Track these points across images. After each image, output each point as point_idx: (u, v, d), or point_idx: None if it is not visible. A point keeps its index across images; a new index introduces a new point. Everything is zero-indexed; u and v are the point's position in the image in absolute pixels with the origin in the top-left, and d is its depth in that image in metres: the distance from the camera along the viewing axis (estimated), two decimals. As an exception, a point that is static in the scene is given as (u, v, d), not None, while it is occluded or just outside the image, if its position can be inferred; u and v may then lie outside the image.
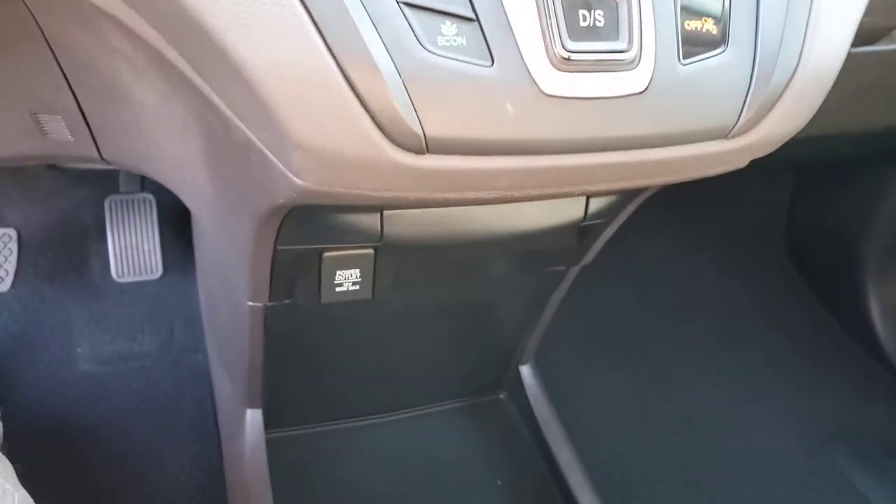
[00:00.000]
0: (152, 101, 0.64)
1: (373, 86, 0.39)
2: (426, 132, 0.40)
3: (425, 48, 0.40)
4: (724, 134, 0.48)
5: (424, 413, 1.12)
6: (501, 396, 1.15)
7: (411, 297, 0.85)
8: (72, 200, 1.32)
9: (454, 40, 0.40)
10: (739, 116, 0.47)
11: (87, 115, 0.75)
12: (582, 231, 0.77)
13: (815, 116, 0.62)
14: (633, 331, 1.47)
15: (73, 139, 0.80)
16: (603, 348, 1.43)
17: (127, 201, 1.30)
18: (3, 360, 1.23)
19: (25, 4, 0.56)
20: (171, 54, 0.46)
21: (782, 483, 1.28)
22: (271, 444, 0.99)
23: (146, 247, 1.30)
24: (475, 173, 0.43)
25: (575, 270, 0.87)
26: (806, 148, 1.21)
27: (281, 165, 0.43)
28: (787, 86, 0.48)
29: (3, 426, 1.08)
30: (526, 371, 1.10)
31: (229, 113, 0.44)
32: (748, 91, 0.47)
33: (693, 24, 0.46)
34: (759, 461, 1.31)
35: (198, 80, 0.45)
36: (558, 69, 0.41)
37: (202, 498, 1.08)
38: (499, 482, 1.05)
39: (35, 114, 0.76)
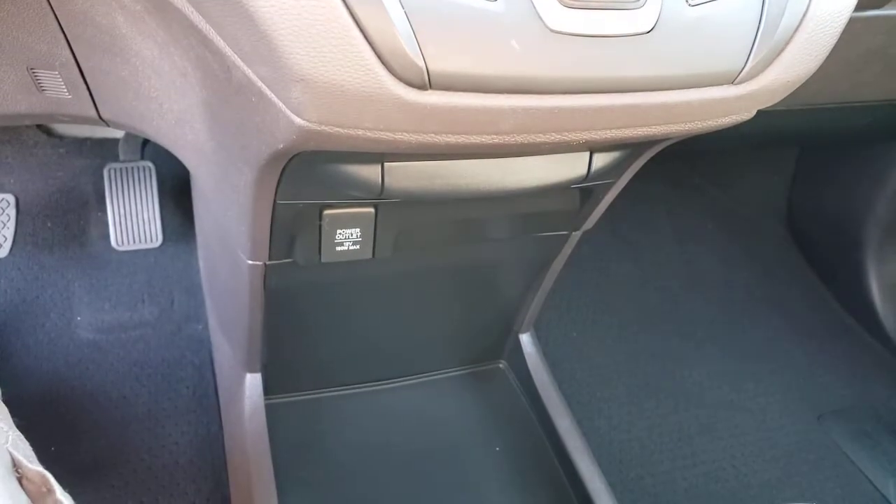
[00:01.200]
0: (151, 52, 0.63)
1: (375, 16, 0.38)
2: (429, 66, 0.40)
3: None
4: (731, 79, 0.47)
5: (425, 380, 1.12)
6: (501, 365, 1.15)
7: (411, 258, 0.85)
8: (71, 169, 1.31)
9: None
10: (747, 60, 0.46)
11: (84, 70, 0.74)
12: (584, 192, 0.76)
13: (821, 84, 0.61)
14: (633, 307, 1.46)
15: (70, 96, 0.80)
16: (603, 323, 1.43)
17: (126, 170, 1.29)
18: (2, 326, 1.23)
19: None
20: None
21: (780, 457, 1.29)
22: (270, 410, 0.99)
23: (146, 215, 1.29)
24: (478, 112, 0.42)
25: (577, 235, 0.87)
26: (811, 120, 1.21)
27: (281, 104, 0.43)
28: (796, 30, 0.47)
29: (2, 391, 1.08)
30: (525, 339, 1.10)
31: (230, 51, 0.44)
32: (756, 34, 0.46)
33: (701, -35, 0.45)
34: (756, 435, 1.31)
35: (198, 19, 0.45)
36: (564, 5, 0.41)
37: (202, 462, 1.08)
38: (497, 448, 1.06)
39: (32, 69, 0.75)
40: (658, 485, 1.19)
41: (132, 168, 1.30)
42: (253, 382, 0.96)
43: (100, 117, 0.83)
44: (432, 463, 1.05)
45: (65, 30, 0.68)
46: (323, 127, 0.43)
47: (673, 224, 1.66)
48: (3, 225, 1.25)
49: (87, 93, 0.78)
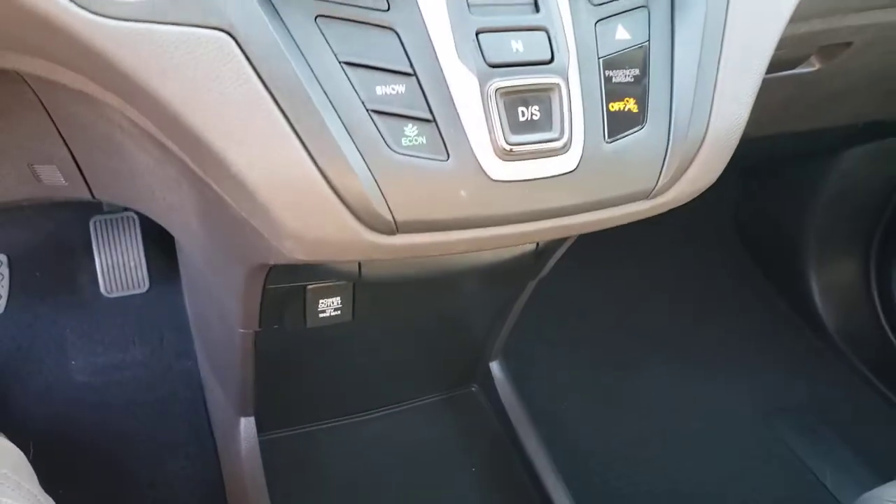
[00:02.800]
0: (146, 159, 0.71)
1: (350, 186, 0.47)
2: (395, 218, 0.49)
3: (392, 149, 0.48)
4: (646, 196, 0.57)
5: (405, 408, 1.22)
6: (474, 389, 1.25)
7: (388, 313, 0.94)
8: (57, 221, 1.38)
9: (416, 140, 0.49)
10: (657, 181, 0.56)
11: (80, 164, 0.81)
12: (538, 254, 0.86)
13: (754, 122, 0.71)
14: (591, 319, 1.57)
15: (66, 184, 0.87)
16: (562, 337, 1.53)
17: (111, 220, 1.36)
18: (3, 375, 1.29)
19: (31, 88, 0.63)
20: (173, 147, 0.53)
21: (731, 454, 1.41)
22: (264, 446, 1.08)
23: (132, 263, 1.37)
24: (437, 244, 0.52)
25: (534, 283, 0.97)
26: (749, 148, 1.32)
27: (273, 242, 0.51)
28: (697, 152, 0.57)
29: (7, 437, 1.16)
30: (495, 367, 1.20)
31: (227, 198, 0.52)
32: (664, 160, 0.55)
33: (616, 106, 0.54)
34: (708, 435, 1.43)
35: (197, 170, 0.53)
36: (503, 159, 0.50)
37: (203, 495, 1.17)
38: (473, 469, 1.16)
39: (31, 164, 0.82)
40: (622, 488, 1.30)
41: (116, 218, 1.37)
42: (247, 425, 1.05)
43: (93, 197, 0.91)
44: (415, 484, 1.15)
45: (64, 136, 0.75)
46: (310, 258, 0.52)
47: (627, 236, 1.76)
48: (-2, 284, 1.32)
49: (82, 180, 0.85)
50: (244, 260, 0.65)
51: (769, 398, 1.52)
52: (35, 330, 1.35)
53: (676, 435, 1.40)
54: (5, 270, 1.32)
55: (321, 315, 0.82)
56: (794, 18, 0.65)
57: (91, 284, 1.38)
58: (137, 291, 1.39)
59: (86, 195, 0.90)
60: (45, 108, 0.69)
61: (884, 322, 1.65)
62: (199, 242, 0.79)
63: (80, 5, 0.43)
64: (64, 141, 0.77)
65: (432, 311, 1.01)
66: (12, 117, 0.73)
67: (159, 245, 1.43)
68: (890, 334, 1.64)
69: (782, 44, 0.68)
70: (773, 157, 1.51)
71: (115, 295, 1.38)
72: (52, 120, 0.72)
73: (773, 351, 1.63)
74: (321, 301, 0.80)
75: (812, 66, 0.98)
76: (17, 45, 0.51)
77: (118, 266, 1.36)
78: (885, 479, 0.73)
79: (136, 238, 1.37)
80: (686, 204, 0.62)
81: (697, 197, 0.62)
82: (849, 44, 0.93)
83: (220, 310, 0.91)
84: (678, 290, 1.68)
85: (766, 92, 0.69)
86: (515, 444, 1.15)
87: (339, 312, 0.83)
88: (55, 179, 0.87)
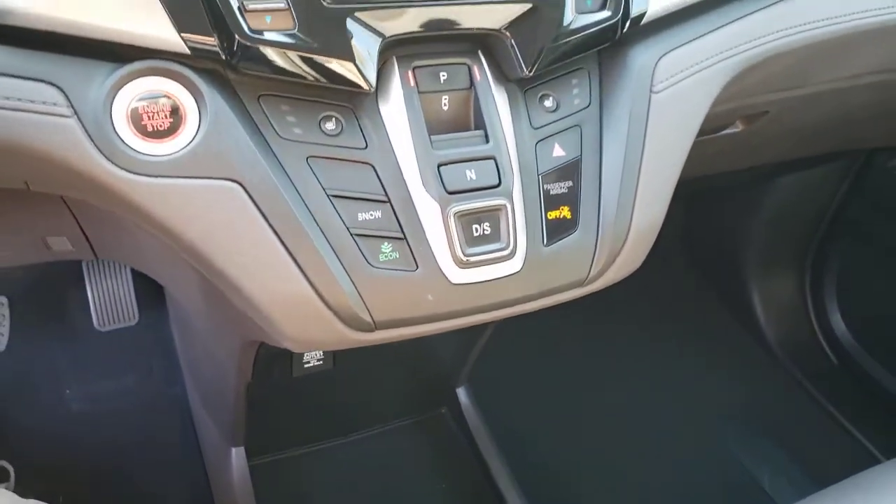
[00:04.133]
0: (155, 243, 0.81)
1: (337, 298, 0.58)
2: (374, 319, 0.60)
3: (371, 265, 0.59)
4: (579, 285, 0.69)
5: (381, 431, 1.34)
6: (443, 412, 1.37)
7: (365, 356, 1.05)
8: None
9: (390, 255, 0.60)
10: (588, 274, 0.68)
11: (89, 236, 0.91)
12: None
13: (690, 168, 0.82)
14: (552, 344, 1.70)
15: (73, 249, 0.96)
16: (528, 362, 1.66)
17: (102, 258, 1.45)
18: (3, 407, 1.38)
19: (62, 198, 0.73)
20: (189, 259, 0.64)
21: (679, 460, 1.55)
22: (252, 472, 1.19)
23: (122, 297, 1.46)
24: (408, 335, 0.63)
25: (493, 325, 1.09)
26: (690, 185, 1.46)
27: (273, 337, 0.63)
28: (621, 248, 0.69)
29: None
30: (461, 392, 1.33)
31: (234, 299, 0.63)
32: (594, 257, 0.67)
33: (553, 214, 0.66)
34: (661, 442, 1.57)
35: (209, 276, 0.64)
36: (461, 267, 0.61)
37: (197, 519, 1.28)
38: (443, 485, 1.28)
39: (44, 238, 0.92)
40: (583, 499, 1.44)
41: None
42: (238, 455, 1.15)
43: (96, 258, 1.01)
44: (390, 500, 1.27)
45: (77, 218, 0.85)
46: (303, 350, 0.63)
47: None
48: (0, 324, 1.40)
49: (89, 247, 0.95)
50: (241, 335, 0.75)
51: (713, 405, 1.67)
52: (32, 362, 1.44)
53: (631, 445, 1.54)
54: (6, 311, 1.41)
55: (306, 366, 0.93)
56: (714, 104, 0.77)
57: (84, 318, 1.47)
58: (128, 324, 1.48)
59: (90, 257, 1.00)
60: (63, 201, 0.79)
61: (819, 333, 1.81)
62: (197, 310, 0.89)
63: (119, 166, 0.54)
64: (77, 221, 0.86)
65: (405, 346, 1.13)
66: (30, 202, 0.82)
67: (147, 278, 1.52)
68: (825, 345, 1.80)
69: (708, 119, 0.81)
70: (712, 188, 1.65)
71: (107, 328, 1.47)
72: (69, 207, 0.82)
73: (718, 361, 1.77)
74: (306, 354, 0.92)
75: (737, 128, 1.11)
76: (59, 188, 0.62)
77: (109, 301, 1.45)
78: (820, 482, 0.79)
79: (125, 274, 1.46)
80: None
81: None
82: (765, 112, 1.06)
83: (212, 359, 1.02)
84: (631, 310, 1.82)
85: (699, 147, 0.81)
86: (481, 462, 1.28)
87: (321, 362, 0.94)
88: (63, 247, 0.96)
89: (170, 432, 1.42)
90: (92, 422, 1.42)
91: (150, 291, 1.52)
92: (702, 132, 0.81)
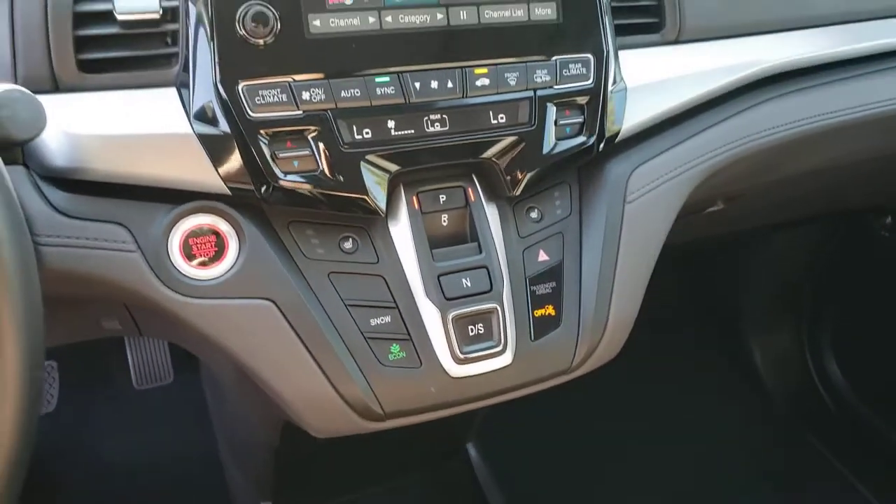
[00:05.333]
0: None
1: (353, 393, 0.69)
2: (385, 410, 0.71)
3: (381, 363, 0.70)
4: (564, 373, 0.79)
5: (399, 483, 1.44)
6: (454, 465, 1.47)
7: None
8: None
9: (398, 355, 0.71)
10: (572, 363, 0.78)
11: (136, 320, 1.03)
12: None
13: (683, 234, 0.92)
14: (564, 401, 1.78)
15: (121, 328, 1.08)
16: (540, 417, 1.74)
17: (140, 323, 1.57)
18: (53, 463, 1.50)
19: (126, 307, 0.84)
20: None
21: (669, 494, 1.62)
22: None
23: (159, 359, 1.58)
24: (413, 421, 0.74)
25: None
26: (683, 248, 1.56)
27: (299, 424, 0.74)
28: (600, 340, 0.79)
29: None
30: (471, 447, 1.42)
31: (265, 390, 0.74)
32: (575, 348, 0.77)
33: (539, 312, 0.76)
34: (664, 493, 1.65)
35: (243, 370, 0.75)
36: (458, 363, 0.72)
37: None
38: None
39: (97, 320, 1.04)
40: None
41: (145, 320, 1.58)
42: (267, 510, 1.26)
43: (141, 335, 1.12)
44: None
45: (129, 309, 0.96)
46: (324, 436, 0.74)
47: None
48: (50, 385, 1.53)
49: (135, 327, 1.07)
50: (271, 410, 0.86)
51: (716, 455, 1.74)
52: (77, 420, 1.56)
53: (632, 479, 1.61)
54: (56, 374, 1.54)
55: (328, 433, 1.04)
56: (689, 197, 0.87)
57: (124, 378, 1.60)
58: (164, 383, 1.60)
59: (136, 335, 1.12)
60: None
61: (817, 382, 1.88)
62: (229, 385, 1.00)
63: (174, 290, 0.65)
64: (129, 311, 0.98)
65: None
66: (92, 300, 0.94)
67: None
68: (824, 394, 1.87)
69: (688, 203, 0.91)
70: (706, 248, 1.75)
71: (144, 387, 1.59)
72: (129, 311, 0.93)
73: (720, 414, 1.85)
74: None
75: (718, 206, 1.21)
76: (121, 301, 0.73)
77: (147, 363, 1.57)
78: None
79: (162, 340, 1.58)
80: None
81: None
82: (743, 194, 1.16)
83: (241, 422, 1.12)
84: (637, 367, 1.90)
85: (685, 220, 0.91)
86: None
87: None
88: (113, 326, 1.08)
89: (201, 483, 1.52)
90: (129, 473, 1.53)
91: (183, 354, 1.64)
92: (685, 211, 0.91)
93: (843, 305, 1.84)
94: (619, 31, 0.82)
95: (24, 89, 0.56)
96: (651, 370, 1.91)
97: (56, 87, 0.65)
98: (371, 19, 0.68)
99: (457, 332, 0.72)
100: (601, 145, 0.79)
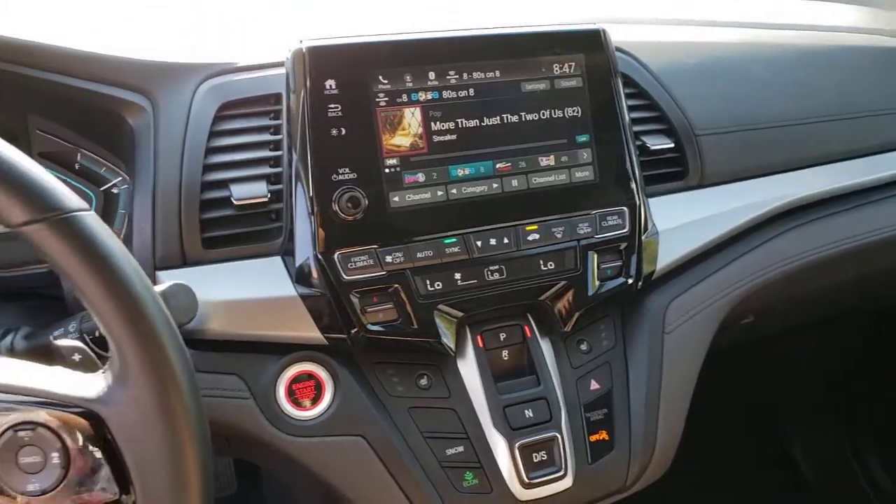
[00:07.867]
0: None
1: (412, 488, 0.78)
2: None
3: (457, 490, 0.79)
4: (619, 492, 0.87)
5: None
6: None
7: None
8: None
9: (472, 482, 0.79)
10: (626, 482, 0.86)
11: (231, 446, 1.13)
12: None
13: (721, 338, 1.00)
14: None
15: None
16: None
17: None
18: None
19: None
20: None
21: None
22: None
23: (223, 469, 1.66)
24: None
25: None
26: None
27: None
28: (650, 459, 0.88)
29: None
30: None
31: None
32: (628, 470, 0.86)
33: (594, 437, 0.86)
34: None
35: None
36: (525, 487, 0.80)
37: None
38: None
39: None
40: None
41: (210, 433, 1.68)
42: None
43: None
44: None
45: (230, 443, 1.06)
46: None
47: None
48: None
49: (228, 452, 1.17)
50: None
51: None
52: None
53: None
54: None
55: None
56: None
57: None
58: (227, 493, 1.68)
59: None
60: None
61: (861, 478, 1.90)
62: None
63: (281, 430, 0.76)
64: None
65: None
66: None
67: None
68: (868, 489, 1.88)
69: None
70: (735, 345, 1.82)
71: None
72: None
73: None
74: None
75: (749, 319, 1.30)
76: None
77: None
78: None
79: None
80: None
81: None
82: (773, 307, 1.25)
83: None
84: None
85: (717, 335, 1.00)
86: None
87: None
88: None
89: None
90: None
91: (245, 463, 1.72)
92: (720, 328, 1.00)
93: (882, 398, 1.88)
94: (648, 181, 0.94)
95: (184, 283, 0.69)
96: (697, 464, 1.94)
97: (184, 262, 0.78)
98: (439, 192, 0.80)
99: (523, 460, 0.81)
100: (639, 284, 0.89)
